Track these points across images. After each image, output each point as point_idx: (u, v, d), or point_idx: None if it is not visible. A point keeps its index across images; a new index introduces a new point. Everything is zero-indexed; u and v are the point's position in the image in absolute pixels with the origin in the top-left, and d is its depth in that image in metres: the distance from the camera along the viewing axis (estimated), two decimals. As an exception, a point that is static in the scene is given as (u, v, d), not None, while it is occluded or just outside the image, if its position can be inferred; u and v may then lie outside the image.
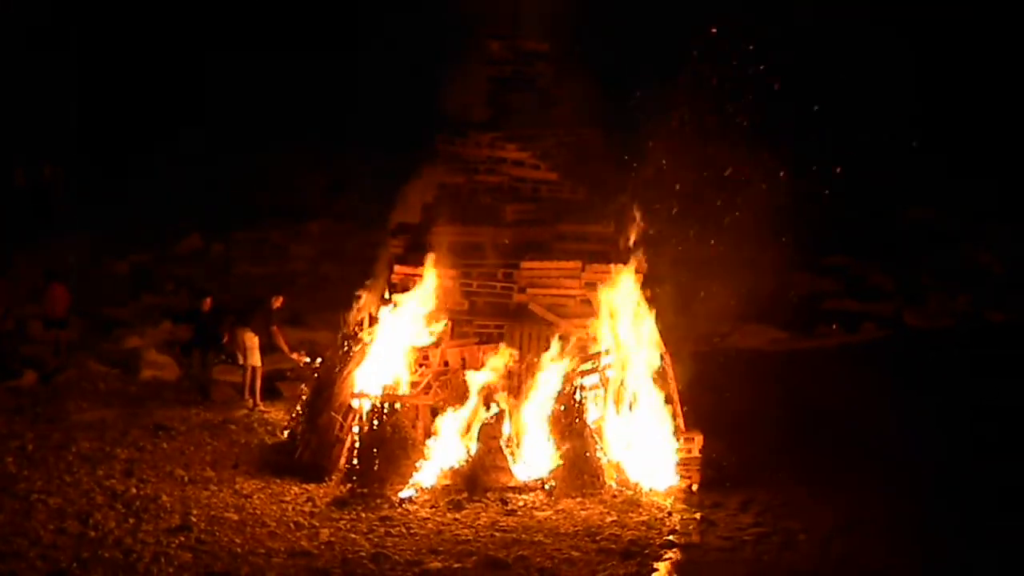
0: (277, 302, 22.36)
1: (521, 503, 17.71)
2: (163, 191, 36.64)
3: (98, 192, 36.60)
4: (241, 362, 22.19)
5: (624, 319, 19.09)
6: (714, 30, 27.02)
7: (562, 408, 18.44)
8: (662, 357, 19.22)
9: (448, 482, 18.12)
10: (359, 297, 20.67)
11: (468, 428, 18.41)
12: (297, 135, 37.94)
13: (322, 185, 38.73)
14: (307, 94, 38.73)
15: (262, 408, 21.96)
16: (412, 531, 16.84)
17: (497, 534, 16.76)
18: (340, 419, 18.94)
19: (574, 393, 18.49)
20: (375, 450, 18.37)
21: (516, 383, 18.66)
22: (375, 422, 18.47)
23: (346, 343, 20.10)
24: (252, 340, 22.01)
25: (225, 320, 22.57)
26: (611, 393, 18.80)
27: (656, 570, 15.83)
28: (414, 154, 21.93)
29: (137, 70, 39.18)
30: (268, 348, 22.37)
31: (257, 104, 37.84)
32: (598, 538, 16.63)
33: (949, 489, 18.23)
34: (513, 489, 18.05)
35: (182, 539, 16.39)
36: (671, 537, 16.81)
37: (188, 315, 23.42)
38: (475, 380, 18.54)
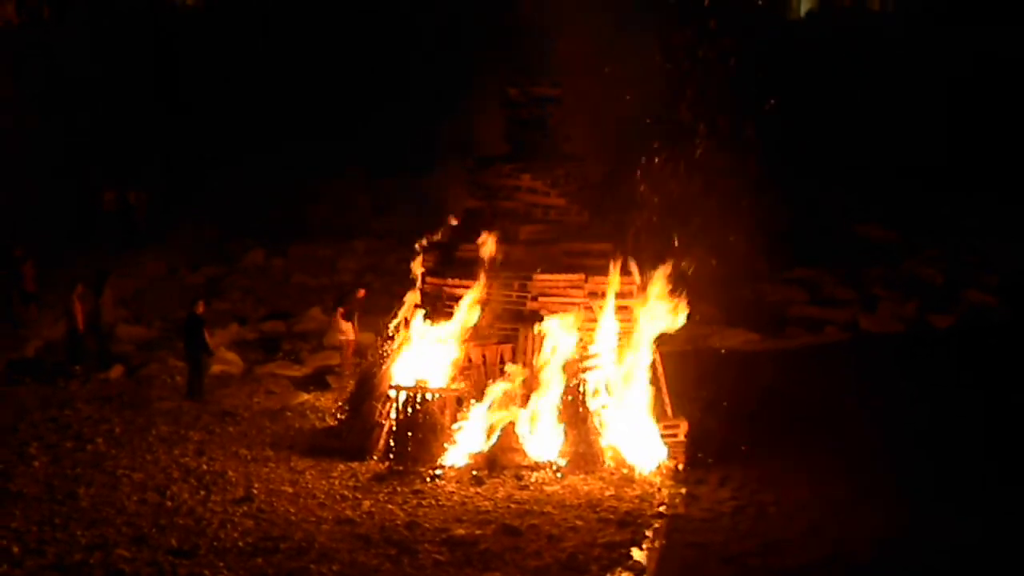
0: (360, 293, 23.98)
1: (533, 479, 17.62)
2: (232, 212, 36.62)
3: (176, 213, 36.60)
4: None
5: (621, 323, 19.02)
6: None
7: (568, 399, 18.39)
8: (653, 355, 19.13)
9: (471, 461, 18.06)
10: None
11: (489, 420, 18.36)
12: (346, 164, 37.88)
13: (366, 208, 38.63)
14: (355, 129, 38.59)
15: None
16: (440, 503, 16.78)
17: (512, 505, 16.68)
18: (380, 407, 18.89)
19: (578, 386, 18.44)
20: (409, 434, 18.34)
21: (529, 377, 18.59)
22: (409, 410, 18.45)
23: (385, 343, 20.08)
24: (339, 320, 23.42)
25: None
26: (609, 386, 18.70)
27: (647, 537, 15.76)
28: (445, 181, 21.94)
29: (210, 106, 39.13)
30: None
31: (312, 137, 37.71)
32: (598, 509, 16.54)
33: (900, 468, 18.05)
34: (526, 467, 17.95)
35: (245, 508, 16.37)
36: (661, 509, 16.73)
37: (186, 319, 22.46)
38: (496, 386, 18.45)
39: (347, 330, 23.20)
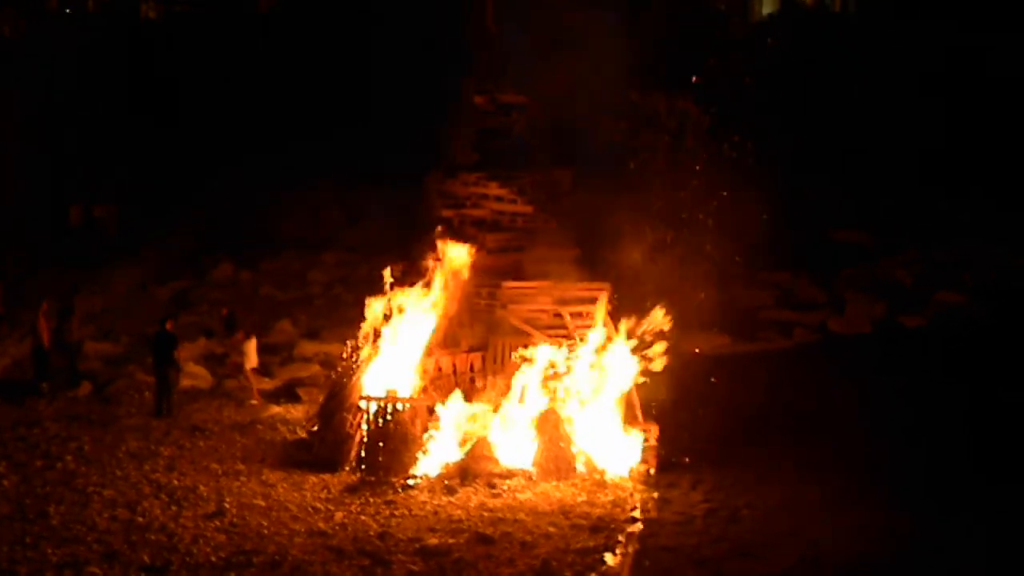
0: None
1: (505, 487, 17.69)
2: (200, 226, 36.52)
3: (147, 227, 36.46)
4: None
5: (590, 329, 19.12)
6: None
7: (540, 406, 18.46)
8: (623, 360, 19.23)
9: (443, 470, 18.12)
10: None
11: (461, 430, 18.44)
12: (316, 177, 37.83)
13: (336, 220, 38.58)
14: (325, 142, 38.54)
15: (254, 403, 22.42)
16: (413, 512, 16.83)
17: (485, 514, 16.75)
18: (350, 418, 18.94)
19: (550, 393, 18.52)
20: (380, 444, 18.41)
21: (499, 384, 18.67)
22: (380, 420, 18.51)
23: (355, 354, 20.11)
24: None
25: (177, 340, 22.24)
26: (580, 392, 18.79)
27: (620, 542, 15.83)
28: (415, 193, 22.01)
29: (181, 121, 39.06)
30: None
31: (282, 149, 37.62)
32: (571, 515, 16.63)
33: (875, 468, 18.20)
34: (499, 475, 18.03)
35: (217, 523, 16.36)
36: (633, 513, 16.82)
37: (156, 336, 22.23)
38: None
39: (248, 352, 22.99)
